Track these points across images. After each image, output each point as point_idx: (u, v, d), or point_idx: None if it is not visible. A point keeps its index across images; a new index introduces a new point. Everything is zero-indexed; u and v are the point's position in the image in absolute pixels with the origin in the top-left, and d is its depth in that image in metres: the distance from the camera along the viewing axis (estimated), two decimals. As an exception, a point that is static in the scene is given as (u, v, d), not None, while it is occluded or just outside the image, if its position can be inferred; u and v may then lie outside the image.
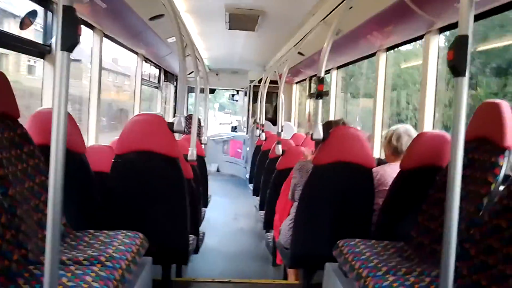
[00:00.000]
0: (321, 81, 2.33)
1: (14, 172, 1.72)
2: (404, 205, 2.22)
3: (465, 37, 1.18)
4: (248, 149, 7.85)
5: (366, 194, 2.32)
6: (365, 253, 1.92)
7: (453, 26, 2.55)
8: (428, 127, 2.76)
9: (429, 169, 2.11)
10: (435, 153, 2.13)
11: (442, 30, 2.66)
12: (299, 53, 4.57)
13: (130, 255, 1.82)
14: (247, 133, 8.54)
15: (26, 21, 2.42)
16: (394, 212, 2.25)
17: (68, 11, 1.15)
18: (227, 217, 5.43)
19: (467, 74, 1.19)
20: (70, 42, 1.15)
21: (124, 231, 2.03)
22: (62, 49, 1.15)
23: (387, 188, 2.32)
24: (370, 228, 2.33)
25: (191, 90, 5.93)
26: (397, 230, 2.24)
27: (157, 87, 6.54)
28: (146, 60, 5.18)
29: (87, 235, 1.97)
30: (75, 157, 2.13)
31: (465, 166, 1.29)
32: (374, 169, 2.38)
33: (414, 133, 2.46)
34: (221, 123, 17.77)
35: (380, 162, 3.01)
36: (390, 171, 2.41)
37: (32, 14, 2.45)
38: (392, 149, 2.50)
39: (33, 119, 2.12)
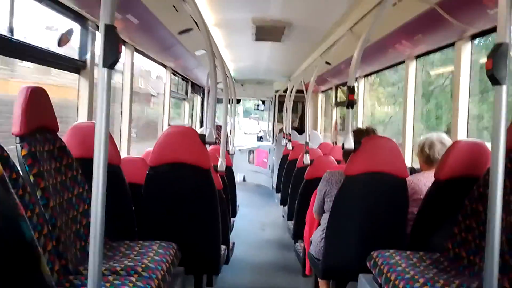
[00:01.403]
0: (351, 90, 2.32)
1: (54, 184, 1.79)
2: (439, 215, 2.18)
3: (504, 45, 1.16)
4: (274, 158, 7.86)
5: (399, 204, 2.29)
6: (400, 264, 1.89)
7: (486, 32, 2.50)
8: (462, 135, 2.70)
9: (464, 179, 2.07)
10: (471, 163, 2.08)
11: (474, 37, 2.61)
12: (326, 62, 4.57)
13: (165, 265, 1.85)
14: (272, 143, 8.56)
15: (64, 38, 2.52)
16: (429, 223, 2.20)
17: (110, 30, 1.19)
18: (255, 227, 5.43)
19: (507, 82, 1.17)
20: (111, 59, 1.19)
21: (158, 242, 2.07)
22: (104, 66, 1.19)
23: (421, 196, 2.28)
24: (404, 239, 2.29)
25: (218, 101, 6.04)
26: (431, 240, 2.19)
27: (184, 99, 6.65)
28: (175, 73, 5.28)
29: (123, 245, 2.02)
30: (111, 169, 2.19)
31: (504, 176, 1.26)
32: (407, 178, 2.34)
33: (447, 141, 2.41)
34: (246, 133, 15.18)
35: (412, 171, 2.96)
36: (424, 180, 2.37)
37: (69, 32, 2.55)
38: (425, 157, 2.45)
39: (71, 132, 2.20)
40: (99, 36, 1.20)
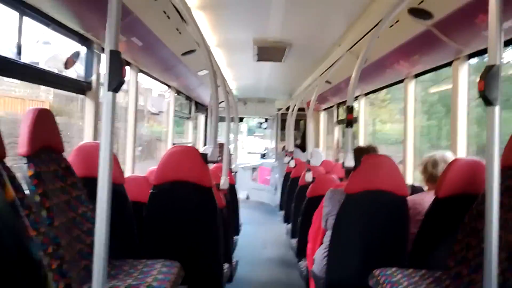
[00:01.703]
0: (350, 110, 2.37)
1: (59, 204, 1.82)
2: (440, 233, 2.18)
3: (495, 67, 1.20)
4: (277, 176, 7.86)
5: (400, 222, 2.30)
6: (402, 282, 1.89)
7: (482, 52, 2.55)
8: (461, 153, 2.73)
9: (464, 197, 2.08)
10: (469, 181, 2.10)
11: (470, 56, 2.66)
12: (326, 81, 4.64)
13: (169, 284, 1.86)
14: (275, 160, 8.57)
15: (70, 61, 2.59)
16: (430, 240, 2.21)
17: (114, 55, 1.24)
18: (258, 245, 5.41)
19: (499, 103, 1.21)
20: (116, 83, 1.24)
21: (162, 260, 2.08)
22: (109, 89, 1.24)
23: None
24: (405, 256, 2.29)
25: (220, 119, 6.13)
26: (432, 258, 2.20)
27: (188, 118, 6.71)
28: (178, 92, 5.36)
29: (126, 264, 2.04)
30: (115, 188, 2.21)
31: (502, 194, 1.28)
32: (410, 198, 2.35)
33: (451, 159, 2.40)
34: (250, 152, 13.68)
35: (413, 189, 2.97)
36: (428, 200, 2.32)
37: (75, 54, 2.62)
38: (428, 176, 2.43)
39: (76, 152, 2.24)
40: (104, 58, 1.25)
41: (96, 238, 1.21)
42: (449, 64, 2.81)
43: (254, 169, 9.29)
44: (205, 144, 7.53)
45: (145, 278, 1.85)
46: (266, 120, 9.55)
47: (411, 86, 3.49)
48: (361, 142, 5.06)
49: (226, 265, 2.69)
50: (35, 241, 1.51)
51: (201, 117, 7.61)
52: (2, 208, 0.65)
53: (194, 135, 7.16)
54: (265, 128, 9.99)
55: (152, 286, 1.77)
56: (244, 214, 6.01)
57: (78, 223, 1.93)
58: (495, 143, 1.20)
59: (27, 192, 1.62)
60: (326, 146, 7.79)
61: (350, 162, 2.31)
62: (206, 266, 2.39)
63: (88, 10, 2.22)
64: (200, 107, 7.27)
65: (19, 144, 1.71)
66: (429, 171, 2.42)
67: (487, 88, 1.20)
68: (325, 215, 2.61)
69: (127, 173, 3.45)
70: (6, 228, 0.64)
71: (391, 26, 2.52)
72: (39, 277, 0.70)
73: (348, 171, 2.47)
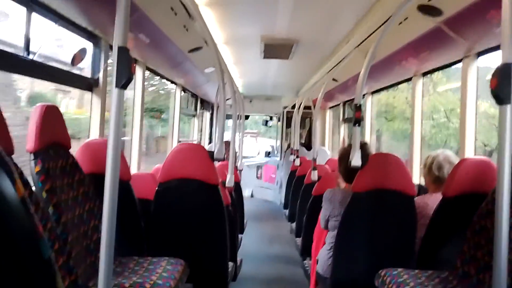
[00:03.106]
0: (358, 108, 2.34)
1: (66, 200, 1.82)
2: (447, 233, 2.17)
3: (508, 66, 1.18)
4: (282, 174, 7.86)
5: (407, 222, 2.28)
6: (408, 283, 1.88)
7: (492, 49, 2.52)
8: (469, 153, 2.70)
9: (472, 196, 2.06)
10: (478, 180, 2.08)
11: (480, 54, 2.63)
12: (333, 79, 4.61)
13: (173, 282, 1.86)
14: (280, 159, 8.57)
15: (77, 57, 2.59)
16: (437, 240, 2.19)
17: (123, 51, 1.24)
18: (263, 243, 5.41)
19: (511, 102, 1.19)
20: (124, 79, 1.23)
21: (167, 258, 2.08)
22: (117, 86, 1.24)
23: (428, 221, 2.24)
24: (412, 256, 2.27)
25: (226, 117, 6.14)
26: (439, 258, 2.18)
27: (194, 115, 6.71)
28: (184, 90, 5.35)
29: (132, 261, 2.04)
30: (122, 185, 2.22)
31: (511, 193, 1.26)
32: (414, 200, 2.32)
33: (455, 160, 2.39)
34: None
35: (420, 188, 2.95)
36: (432, 204, 2.30)
37: (82, 51, 2.62)
38: (434, 178, 2.41)
39: (83, 149, 2.24)
40: (112, 54, 1.24)
41: (102, 234, 1.21)
42: (458, 61, 2.78)
43: (259, 167, 9.28)
44: (210, 142, 7.53)
45: (150, 275, 1.85)
46: (271, 118, 9.52)
47: (419, 84, 3.46)
48: (368, 140, 5.04)
49: (230, 264, 2.69)
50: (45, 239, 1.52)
51: (207, 115, 7.61)
52: (15, 205, 0.64)
53: (199, 133, 7.15)
54: (270, 126, 9.94)
55: (157, 284, 1.77)
56: (249, 212, 6.00)
57: (85, 219, 1.93)
58: (507, 142, 1.19)
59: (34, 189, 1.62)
60: (332, 144, 7.76)
61: (357, 161, 2.29)
62: (211, 264, 2.38)
63: (96, 6, 2.21)
64: (206, 104, 7.27)
65: (27, 140, 1.71)
66: (435, 174, 2.40)
67: (499, 86, 1.18)
68: (324, 216, 2.55)
69: (133, 170, 3.45)
70: (18, 225, 0.64)
71: (400, 23, 2.50)
72: (49, 276, 0.70)
73: (347, 171, 2.44)
